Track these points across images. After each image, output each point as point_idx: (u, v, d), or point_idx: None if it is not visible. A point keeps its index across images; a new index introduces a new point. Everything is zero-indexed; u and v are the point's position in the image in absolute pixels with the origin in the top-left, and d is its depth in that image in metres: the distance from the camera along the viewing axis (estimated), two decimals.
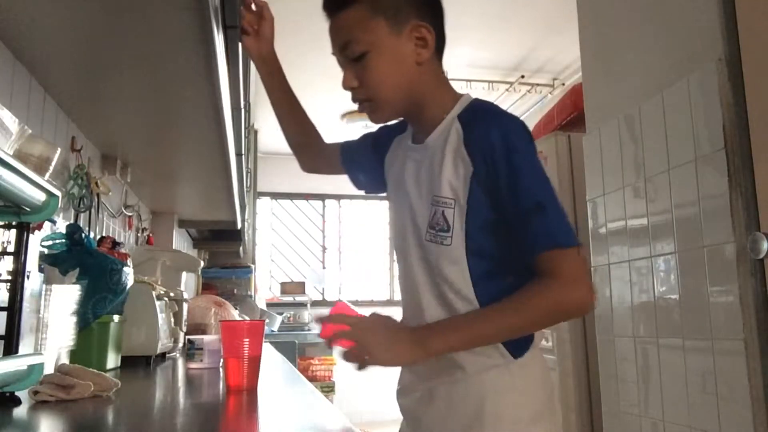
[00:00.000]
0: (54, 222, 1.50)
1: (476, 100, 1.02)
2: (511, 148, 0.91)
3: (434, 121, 1.00)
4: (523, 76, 4.49)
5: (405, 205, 1.02)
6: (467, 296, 0.94)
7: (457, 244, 0.94)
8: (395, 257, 1.12)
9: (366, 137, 1.22)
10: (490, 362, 0.94)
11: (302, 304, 5.91)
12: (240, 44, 1.30)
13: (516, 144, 0.92)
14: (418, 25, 0.96)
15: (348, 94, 1.03)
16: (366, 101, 1.00)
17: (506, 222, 0.93)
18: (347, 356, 0.88)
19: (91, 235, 1.92)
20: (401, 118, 1.09)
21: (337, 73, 1.00)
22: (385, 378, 1.97)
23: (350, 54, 0.97)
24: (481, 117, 0.96)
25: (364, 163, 1.20)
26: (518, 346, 0.95)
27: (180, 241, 3.62)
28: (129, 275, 1.40)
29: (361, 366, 0.89)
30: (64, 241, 1.32)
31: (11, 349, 0.79)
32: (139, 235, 2.82)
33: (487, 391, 0.94)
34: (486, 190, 0.92)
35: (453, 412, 0.96)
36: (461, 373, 0.95)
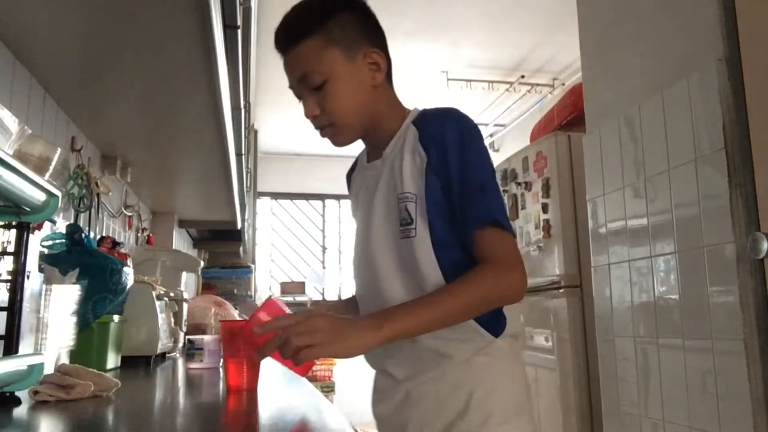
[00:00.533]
0: (54, 222, 1.50)
1: (426, 108, 1.08)
2: (463, 137, 0.98)
3: (390, 133, 1.06)
4: (523, 76, 4.49)
5: (375, 215, 1.04)
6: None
7: (423, 236, 0.97)
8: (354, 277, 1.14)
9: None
10: (474, 346, 0.97)
11: (302, 304, 5.91)
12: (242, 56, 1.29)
13: (467, 133, 0.99)
14: (370, 51, 1.03)
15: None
16: (328, 126, 1.04)
17: (452, 203, 0.97)
18: (292, 359, 0.84)
19: (91, 235, 1.92)
20: (359, 139, 1.13)
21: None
22: None
23: (310, 84, 1.01)
24: (433, 115, 1.04)
25: None
26: (492, 326, 0.99)
27: (180, 241, 3.62)
28: (129, 275, 1.40)
29: (305, 356, 0.84)
30: (64, 241, 1.32)
31: (11, 349, 0.79)
32: (139, 235, 2.82)
33: (476, 381, 0.96)
34: (438, 176, 0.98)
35: (444, 407, 0.96)
36: (448, 364, 0.97)
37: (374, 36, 1.05)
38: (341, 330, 0.86)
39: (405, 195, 0.99)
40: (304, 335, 0.83)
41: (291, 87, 1.06)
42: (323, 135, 1.07)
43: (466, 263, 0.96)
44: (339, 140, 1.07)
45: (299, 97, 1.06)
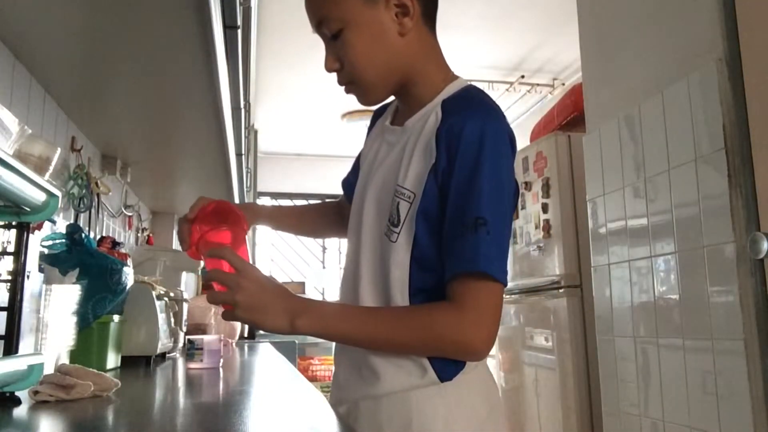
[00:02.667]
0: (54, 222, 1.50)
1: (470, 86, 0.92)
2: (483, 147, 0.81)
3: (421, 101, 0.91)
4: (523, 76, 4.49)
5: (371, 192, 0.93)
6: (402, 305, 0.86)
7: (403, 245, 0.86)
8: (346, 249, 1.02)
9: (361, 150, 1.13)
10: (411, 380, 0.85)
11: None
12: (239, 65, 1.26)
13: (489, 143, 0.82)
14: None
15: (346, 93, 0.96)
16: (349, 83, 0.92)
17: (443, 224, 0.84)
18: (213, 297, 0.83)
19: (91, 235, 1.93)
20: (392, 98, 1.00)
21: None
22: None
23: (326, 32, 0.88)
24: (465, 106, 0.87)
25: None
26: (445, 369, 0.85)
27: None
28: (129, 275, 1.40)
29: (226, 315, 0.83)
30: (64, 241, 1.32)
31: (11, 349, 0.79)
32: (139, 235, 2.83)
33: (413, 414, 0.84)
34: (438, 184, 0.84)
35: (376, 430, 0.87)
36: (380, 385, 0.86)
37: None
38: (261, 303, 0.82)
39: (402, 191, 0.86)
40: (227, 292, 0.82)
41: (314, 32, 0.93)
42: (347, 92, 0.94)
43: (438, 295, 0.84)
44: (365, 100, 0.94)
45: (324, 45, 0.92)
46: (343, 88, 0.94)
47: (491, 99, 0.91)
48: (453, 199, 0.82)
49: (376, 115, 1.08)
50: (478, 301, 0.81)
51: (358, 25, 0.87)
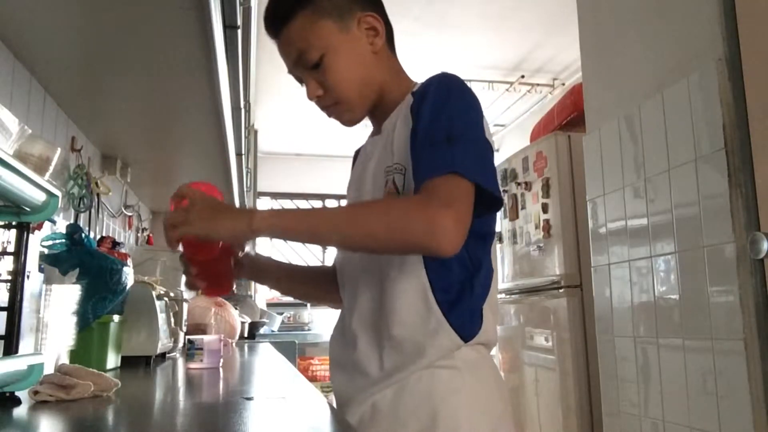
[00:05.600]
0: (54, 222, 1.50)
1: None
2: (450, 92, 0.89)
3: (393, 105, 0.99)
4: (523, 76, 4.49)
5: (364, 189, 0.99)
6: (418, 276, 0.88)
7: None
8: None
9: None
10: (437, 348, 0.87)
11: (302, 304, 5.91)
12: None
13: (455, 90, 0.89)
14: (364, 16, 0.97)
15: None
16: (333, 105, 0.99)
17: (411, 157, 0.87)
18: (168, 218, 0.83)
19: (91, 235, 1.93)
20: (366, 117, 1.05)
21: None
22: None
23: (307, 63, 0.95)
24: (428, 79, 0.95)
25: None
26: (463, 323, 0.88)
27: None
28: (129, 275, 1.40)
29: (179, 232, 0.82)
30: (64, 241, 1.32)
31: (11, 349, 0.79)
32: (139, 235, 2.83)
33: (437, 401, 0.86)
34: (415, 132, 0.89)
35: (400, 427, 0.87)
36: (407, 370, 0.88)
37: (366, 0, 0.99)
38: (214, 211, 0.83)
39: (393, 167, 0.92)
40: (178, 213, 0.82)
41: (290, 72, 1.00)
42: (330, 115, 1.01)
43: (451, 261, 0.86)
44: (347, 118, 1.01)
45: (299, 80, 1.00)
46: (325, 112, 1.01)
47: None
48: (422, 127, 0.86)
49: (357, 153, 1.14)
50: (446, 191, 0.81)
51: (336, 50, 0.95)
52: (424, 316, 0.88)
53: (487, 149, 0.89)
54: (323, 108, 1.00)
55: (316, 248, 6.56)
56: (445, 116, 0.86)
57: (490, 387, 0.92)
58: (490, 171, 0.86)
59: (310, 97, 0.98)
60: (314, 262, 6.50)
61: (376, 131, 1.03)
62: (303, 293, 1.27)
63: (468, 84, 0.93)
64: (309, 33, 0.94)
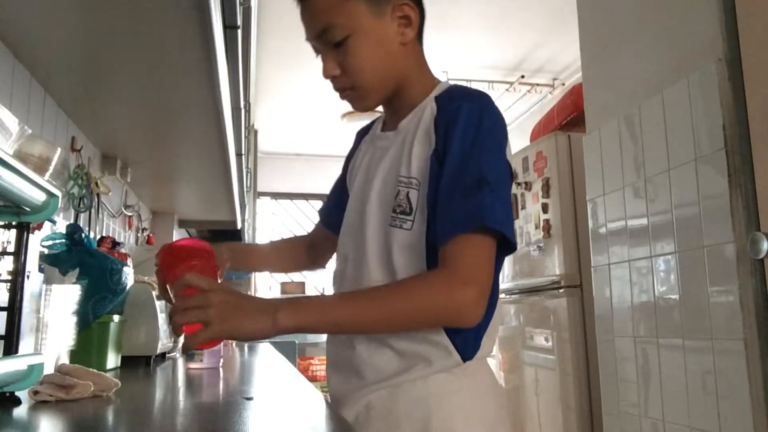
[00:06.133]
0: (54, 222, 1.50)
1: (456, 85, 0.97)
2: (481, 124, 0.84)
3: (412, 102, 0.95)
4: (523, 76, 4.49)
5: (374, 191, 0.94)
6: None
7: (418, 232, 0.86)
8: (336, 256, 1.02)
9: (339, 178, 1.16)
10: (436, 362, 0.86)
11: None
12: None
13: (487, 122, 0.85)
14: (400, 4, 0.91)
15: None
16: (349, 89, 0.93)
17: (436, 197, 0.83)
18: (183, 318, 0.74)
19: (91, 235, 1.93)
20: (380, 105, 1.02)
21: None
22: None
23: (330, 40, 0.89)
24: (457, 94, 0.91)
25: (343, 209, 1.09)
26: (466, 346, 0.87)
27: None
28: (129, 275, 1.40)
29: (197, 338, 0.74)
30: (64, 241, 1.32)
31: (11, 349, 0.79)
32: (139, 235, 2.82)
33: (432, 405, 0.85)
34: (441, 162, 0.85)
35: (394, 428, 0.86)
36: (406, 374, 0.86)
37: None
38: (235, 309, 0.75)
39: (409, 180, 0.88)
40: (193, 311, 0.74)
41: (308, 40, 0.94)
42: (343, 97, 0.96)
43: None
44: (360, 105, 0.96)
45: (316, 51, 0.94)
46: (338, 93, 0.96)
47: (480, 90, 0.95)
48: (451, 166, 0.83)
49: (361, 134, 1.11)
50: (474, 263, 0.80)
51: (364, 34, 0.89)
52: (428, 333, 0.87)
53: (510, 186, 0.88)
54: (337, 89, 0.95)
55: None
56: (475, 158, 0.83)
57: (485, 392, 0.90)
58: (512, 217, 0.85)
59: (326, 75, 0.93)
60: None
61: (390, 126, 0.99)
62: (281, 270, 1.30)
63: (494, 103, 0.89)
64: (339, 9, 0.89)
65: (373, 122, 1.09)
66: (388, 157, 0.94)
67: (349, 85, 0.93)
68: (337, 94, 0.97)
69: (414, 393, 0.87)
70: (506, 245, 0.84)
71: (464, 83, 4.72)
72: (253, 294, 4.80)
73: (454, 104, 0.87)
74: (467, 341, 0.87)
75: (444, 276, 0.80)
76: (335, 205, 1.13)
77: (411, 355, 0.87)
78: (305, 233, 1.27)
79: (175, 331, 0.76)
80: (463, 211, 0.80)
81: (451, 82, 0.99)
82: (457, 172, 0.83)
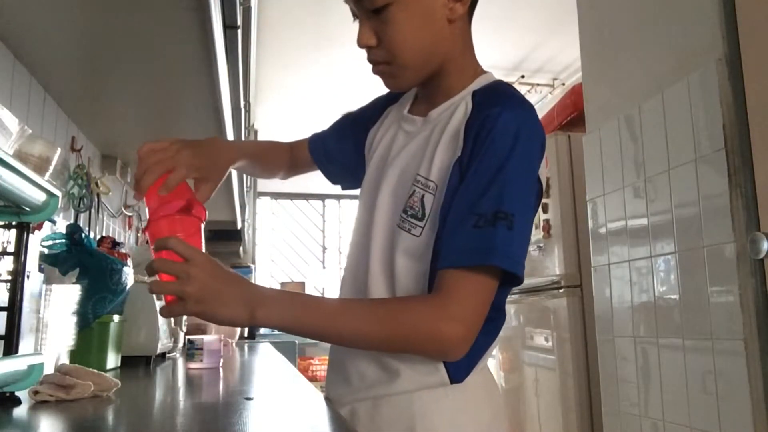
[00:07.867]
0: (54, 222, 1.50)
1: (500, 81, 0.88)
2: (516, 142, 0.76)
3: (449, 91, 0.87)
4: (523, 76, 4.49)
5: (387, 184, 0.87)
6: None
7: (426, 241, 0.80)
8: (350, 243, 0.94)
9: (346, 117, 1.07)
10: (422, 378, 0.80)
11: None
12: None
13: (524, 143, 0.76)
14: None
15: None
16: (383, 63, 0.84)
17: (447, 215, 0.77)
18: (159, 286, 0.73)
19: (91, 235, 1.93)
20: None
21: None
22: None
23: (368, 5, 0.80)
24: (500, 99, 0.82)
25: (338, 152, 1.05)
26: (458, 369, 0.81)
27: None
28: (129, 275, 1.40)
29: (170, 312, 0.73)
30: (64, 241, 1.32)
31: (11, 349, 0.79)
32: (139, 235, 2.83)
33: (416, 419, 0.80)
34: (462, 175, 0.78)
35: None
36: (395, 383, 0.81)
37: None
38: (214, 292, 0.71)
39: (427, 182, 0.81)
40: (171, 284, 0.71)
41: (346, 1, 0.84)
42: (375, 72, 0.86)
43: None
44: (393, 83, 0.86)
45: (354, 16, 0.84)
46: (372, 67, 0.85)
47: (524, 97, 0.87)
48: (471, 187, 0.76)
49: (387, 104, 1.01)
50: (470, 300, 0.74)
51: (408, 4, 0.80)
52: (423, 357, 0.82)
53: (532, 216, 0.80)
54: (371, 61, 0.84)
55: (316, 248, 6.55)
56: (498, 185, 0.74)
57: (480, 399, 0.84)
58: (525, 253, 0.77)
59: (361, 44, 0.83)
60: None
61: (421, 110, 0.90)
62: (259, 175, 1.19)
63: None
64: None
65: (398, 95, 0.99)
66: (410, 147, 0.87)
67: (384, 59, 0.83)
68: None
69: (399, 404, 0.82)
70: (513, 278, 0.78)
71: None
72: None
73: (490, 110, 0.78)
74: (459, 365, 0.81)
75: (435, 305, 0.75)
76: (335, 141, 1.06)
77: (397, 368, 0.82)
78: (286, 144, 1.15)
79: (150, 292, 0.74)
80: (472, 242, 0.74)
81: (495, 77, 0.90)
82: (476, 196, 0.75)
